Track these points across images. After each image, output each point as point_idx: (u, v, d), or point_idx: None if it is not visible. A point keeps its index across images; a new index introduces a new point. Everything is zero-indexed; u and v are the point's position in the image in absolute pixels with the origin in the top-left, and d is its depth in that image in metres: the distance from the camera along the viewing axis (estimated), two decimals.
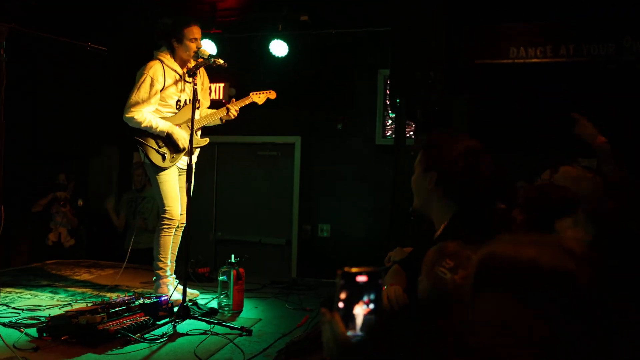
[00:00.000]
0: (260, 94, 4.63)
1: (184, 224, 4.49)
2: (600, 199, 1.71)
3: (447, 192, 2.16)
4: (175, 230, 4.43)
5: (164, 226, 4.36)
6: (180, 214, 4.42)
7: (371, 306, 1.09)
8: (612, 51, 5.58)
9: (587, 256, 1.01)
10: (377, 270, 1.10)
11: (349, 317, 1.08)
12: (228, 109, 4.48)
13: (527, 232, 2.71)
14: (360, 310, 1.09)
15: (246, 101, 4.58)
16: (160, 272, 4.36)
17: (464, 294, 1.39)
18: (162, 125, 4.26)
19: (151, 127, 4.22)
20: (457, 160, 2.11)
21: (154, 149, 4.27)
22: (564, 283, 0.98)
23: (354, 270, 1.09)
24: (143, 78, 4.21)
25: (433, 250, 1.65)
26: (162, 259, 4.37)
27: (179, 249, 4.55)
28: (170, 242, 4.41)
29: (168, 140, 4.31)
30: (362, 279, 1.08)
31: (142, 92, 4.19)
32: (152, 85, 4.21)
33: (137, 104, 4.18)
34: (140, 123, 4.20)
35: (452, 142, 2.16)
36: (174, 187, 4.38)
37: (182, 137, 4.31)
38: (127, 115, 4.20)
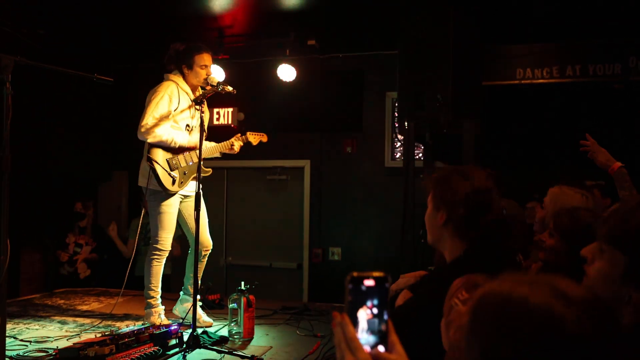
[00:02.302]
0: (255, 135, 4.71)
1: (209, 250, 4.52)
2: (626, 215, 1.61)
3: (455, 231, 2.17)
4: (201, 257, 4.39)
5: (155, 256, 4.36)
6: (195, 240, 4.36)
7: (375, 311, 1.11)
8: (618, 71, 5.59)
9: (582, 300, 0.98)
10: (384, 275, 1.12)
11: (355, 321, 1.11)
12: (232, 145, 4.51)
13: (556, 257, 2.67)
14: (363, 315, 1.10)
15: (245, 140, 4.63)
16: (151, 301, 4.35)
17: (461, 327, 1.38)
18: (181, 139, 4.26)
19: (172, 140, 4.20)
20: (463, 201, 2.12)
21: (166, 170, 4.24)
22: (551, 325, 0.96)
23: (362, 275, 1.11)
24: (160, 95, 4.19)
25: (459, 280, 1.63)
26: (153, 288, 4.36)
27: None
28: (161, 271, 4.40)
29: (179, 152, 4.30)
30: (369, 283, 1.10)
31: (160, 107, 4.17)
32: (169, 103, 4.21)
33: (154, 119, 4.14)
34: (160, 136, 4.16)
35: (461, 180, 2.16)
36: (172, 219, 4.37)
37: (194, 154, 4.33)
38: (144, 130, 4.12)
